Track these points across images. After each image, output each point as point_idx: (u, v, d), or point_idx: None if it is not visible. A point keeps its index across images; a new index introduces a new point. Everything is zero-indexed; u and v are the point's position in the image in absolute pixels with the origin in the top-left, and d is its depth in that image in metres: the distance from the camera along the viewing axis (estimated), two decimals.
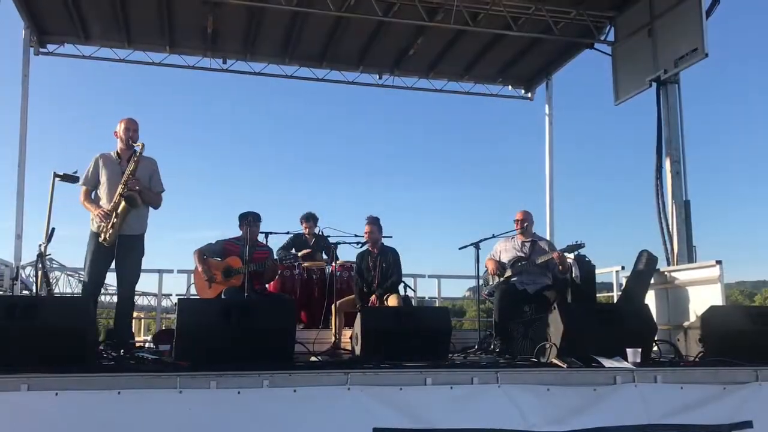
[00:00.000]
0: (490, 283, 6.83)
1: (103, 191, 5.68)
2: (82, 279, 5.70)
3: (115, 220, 5.51)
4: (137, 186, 5.63)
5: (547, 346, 4.92)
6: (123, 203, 5.52)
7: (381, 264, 7.03)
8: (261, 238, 7.08)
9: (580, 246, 6.41)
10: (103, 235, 5.52)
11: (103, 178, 5.69)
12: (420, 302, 10.15)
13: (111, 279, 5.92)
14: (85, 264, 5.64)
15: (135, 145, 5.71)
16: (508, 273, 6.64)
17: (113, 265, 5.74)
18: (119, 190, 5.57)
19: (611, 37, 9.47)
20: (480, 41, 9.75)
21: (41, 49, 9.26)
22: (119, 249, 5.58)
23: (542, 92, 10.87)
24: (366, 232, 7.11)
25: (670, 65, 8.25)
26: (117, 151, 5.80)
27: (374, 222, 7.14)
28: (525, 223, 6.85)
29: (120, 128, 5.78)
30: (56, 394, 3.52)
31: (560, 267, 6.53)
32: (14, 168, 8.42)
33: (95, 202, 5.69)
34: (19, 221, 8.29)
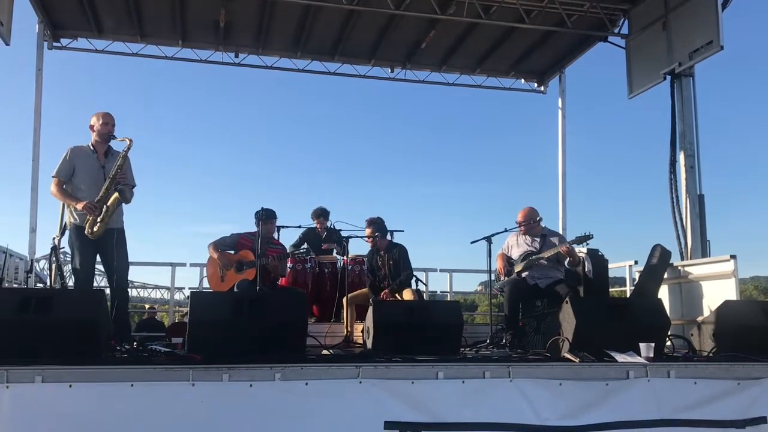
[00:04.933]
0: (502, 278, 6.80)
1: (81, 185, 5.65)
2: (74, 267, 5.65)
3: (104, 213, 5.51)
4: (125, 181, 5.67)
5: (560, 340, 4.91)
6: (115, 197, 5.52)
7: (389, 261, 7.12)
8: (273, 233, 7.12)
9: (589, 237, 6.34)
10: (89, 228, 5.50)
11: (79, 171, 5.66)
12: (432, 296, 10.17)
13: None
14: (74, 257, 5.62)
15: (120, 140, 5.71)
16: (518, 268, 6.61)
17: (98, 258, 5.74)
18: (106, 184, 5.56)
19: (625, 30, 9.39)
20: (492, 34, 9.69)
21: (54, 44, 9.29)
22: (107, 243, 5.59)
23: (555, 86, 10.80)
24: (367, 236, 7.16)
25: (684, 58, 8.18)
26: (91, 145, 5.76)
27: (372, 223, 7.19)
28: (525, 223, 6.74)
29: (97, 122, 5.74)
30: (70, 386, 3.56)
31: (569, 259, 6.47)
32: (29, 162, 8.48)
33: (73, 194, 5.64)
34: (33, 215, 8.35)
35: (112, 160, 5.72)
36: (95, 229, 5.51)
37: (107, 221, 5.54)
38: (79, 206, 5.52)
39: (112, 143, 5.80)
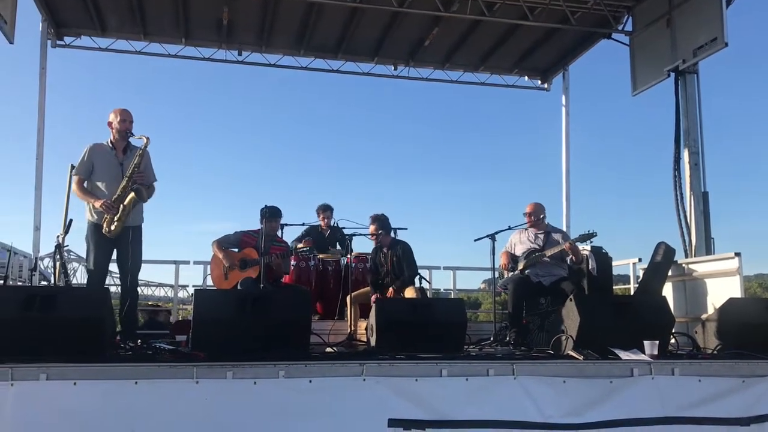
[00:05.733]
0: (505, 275, 6.79)
1: (99, 182, 5.64)
2: (88, 267, 5.66)
3: (121, 212, 5.50)
4: (143, 179, 5.65)
5: (564, 338, 4.90)
6: (131, 196, 5.50)
7: (392, 258, 7.11)
8: (277, 231, 7.11)
9: (593, 235, 6.34)
10: (106, 227, 5.50)
11: (98, 169, 5.66)
12: (435, 294, 10.15)
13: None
14: (89, 255, 5.62)
15: (137, 137, 5.69)
16: (521, 265, 6.61)
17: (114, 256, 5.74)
18: (123, 183, 5.55)
19: (629, 27, 9.38)
20: (496, 31, 9.68)
21: (58, 42, 9.30)
22: (123, 240, 5.59)
23: (559, 83, 10.79)
24: (371, 232, 7.17)
25: (688, 55, 8.17)
26: (111, 142, 5.74)
27: (376, 220, 7.18)
28: (534, 216, 6.74)
29: (115, 119, 5.71)
30: (75, 383, 3.56)
31: (573, 258, 6.47)
32: (32, 161, 8.49)
33: (92, 192, 5.64)
34: (37, 213, 8.36)
35: (130, 156, 5.70)
36: (112, 227, 5.50)
37: (124, 220, 5.52)
38: (97, 204, 5.51)
39: (131, 140, 5.78)
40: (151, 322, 9.33)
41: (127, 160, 5.69)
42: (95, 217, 5.59)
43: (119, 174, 5.64)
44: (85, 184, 5.68)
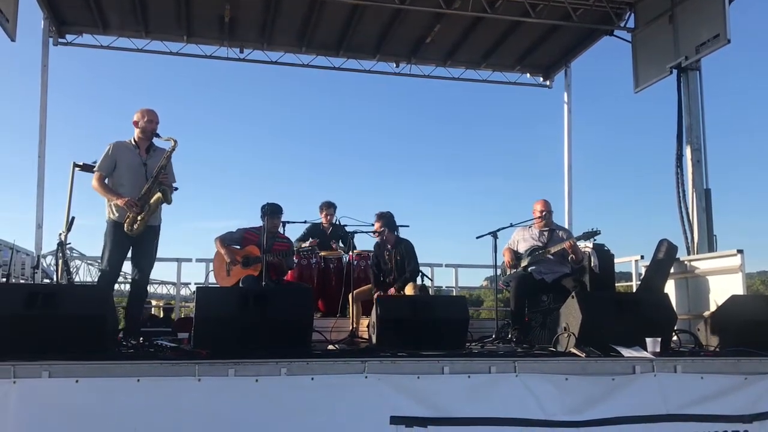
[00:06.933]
0: (508, 272, 6.79)
1: (122, 180, 5.58)
2: (101, 267, 5.61)
3: (145, 212, 5.45)
4: (167, 181, 5.61)
5: (566, 335, 4.90)
6: (157, 197, 5.46)
7: (396, 256, 7.08)
8: (279, 228, 7.11)
9: (596, 233, 6.34)
10: (128, 226, 5.44)
11: (121, 166, 5.60)
12: (437, 291, 10.14)
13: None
14: (105, 252, 5.53)
15: (165, 139, 5.64)
16: (524, 263, 6.60)
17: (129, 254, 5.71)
18: (148, 183, 5.50)
19: (631, 24, 9.37)
20: (498, 28, 9.68)
21: (60, 39, 9.31)
22: (141, 239, 5.55)
23: (561, 80, 10.79)
24: (376, 229, 7.15)
25: (691, 52, 8.15)
26: (134, 141, 5.68)
27: (381, 217, 7.16)
28: (545, 212, 6.77)
29: (142, 119, 5.65)
30: (77, 381, 3.57)
31: (573, 257, 6.47)
32: (34, 159, 8.49)
33: (113, 189, 5.56)
34: (39, 211, 8.38)
35: (153, 156, 5.66)
36: (135, 226, 5.45)
37: (147, 219, 5.49)
38: (120, 202, 5.43)
39: (154, 140, 5.73)
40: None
41: (150, 159, 5.64)
42: (116, 214, 5.51)
43: (142, 173, 5.58)
44: (107, 181, 5.61)
